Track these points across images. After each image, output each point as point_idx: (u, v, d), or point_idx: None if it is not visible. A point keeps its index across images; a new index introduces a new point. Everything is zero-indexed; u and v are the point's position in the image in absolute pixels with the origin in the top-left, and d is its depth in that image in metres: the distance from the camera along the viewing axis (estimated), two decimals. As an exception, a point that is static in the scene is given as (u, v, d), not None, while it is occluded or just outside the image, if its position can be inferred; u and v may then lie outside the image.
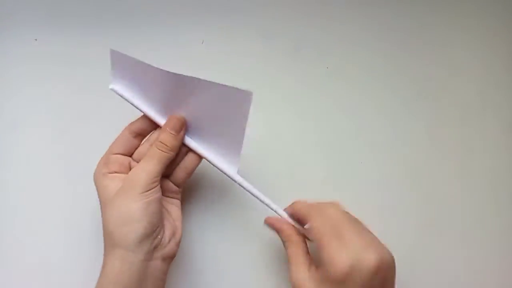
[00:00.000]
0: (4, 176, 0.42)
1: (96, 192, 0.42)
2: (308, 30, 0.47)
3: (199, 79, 0.32)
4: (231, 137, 0.35)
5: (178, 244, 0.35)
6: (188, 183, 0.41)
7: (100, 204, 0.34)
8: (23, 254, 0.40)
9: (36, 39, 0.45)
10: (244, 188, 0.36)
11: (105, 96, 0.44)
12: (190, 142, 0.36)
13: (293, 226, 0.36)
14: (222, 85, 0.32)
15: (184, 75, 0.32)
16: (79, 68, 0.44)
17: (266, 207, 0.36)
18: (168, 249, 0.34)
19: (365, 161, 0.45)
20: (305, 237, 0.35)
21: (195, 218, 0.42)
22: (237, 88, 0.32)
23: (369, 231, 0.33)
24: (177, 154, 0.35)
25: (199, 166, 0.37)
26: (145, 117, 0.36)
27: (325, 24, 0.48)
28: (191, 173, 0.36)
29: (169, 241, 0.34)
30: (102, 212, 0.33)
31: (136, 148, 0.36)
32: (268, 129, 0.45)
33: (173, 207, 0.36)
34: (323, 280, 0.30)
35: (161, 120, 0.35)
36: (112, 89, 0.36)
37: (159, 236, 0.33)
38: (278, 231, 0.36)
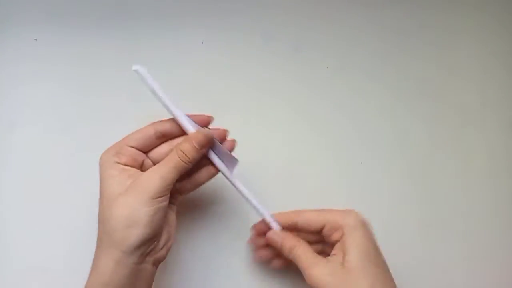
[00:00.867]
0: (4, 176, 0.42)
1: (96, 192, 0.42)
2: (309, 31, 0.47)
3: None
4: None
5: (169, 250, 0.34)
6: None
7: (103, 196, 0.32)
8: (23, 254, 0.40)
9: (36, 39, 0.45)
10: (242, 194, 0.36)
11: (105, 96, 0.44)
12: (214, 157, 0.35)
13: (289, 233, 0.35)
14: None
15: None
16: (78, 68, 0.44)
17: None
18: (159, 254, 0.33)
19: (365, 161, 0.45)
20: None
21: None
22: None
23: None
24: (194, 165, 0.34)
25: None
26: (173, 121, 0.34)
27: (325, 24, 0.48)
28: (199, 186, 0.36)
29: (163, 247, 0.33)
30: (102, 206, 0.32)
31: (154, 148, 0.35)
32: (267, 129, 0.45)
33: (171, 213, 0.35)
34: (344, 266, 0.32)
35: (186, 124, 0.34)
36: (135, 71, 0.33)
37: (156, 242, 0.32)
38: (280, 247, 0.35)
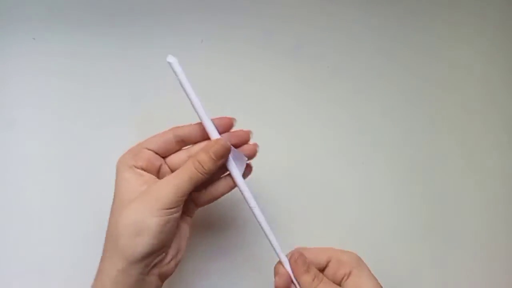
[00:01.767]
0: (3, 176, 0.42)
1: (96, 192, 0.42)
2: (309, 29, 0.47)
3: None
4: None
5: (177, 265, 0.33)
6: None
7: (115, 198, 0.32)
8: (23, 254, 0.40)
9: (34, 38, 0.45)
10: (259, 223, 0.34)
11: (105, 95, 0.44)
12: (232, 168, 0.33)
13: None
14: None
15: None
16: (78, 68, 0.44)
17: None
18: (167, 267, 0.32)
19: (366, 160, 0.45)
20: None
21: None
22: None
23: None
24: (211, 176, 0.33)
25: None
26: (196, 126, 0.33)
27: (325, 22, 0.48)
28: (216, 199, 0.34)
29: (171, 260, 0.32)
30: (113, 210, 0.31)
31: (173, 153, 0.34)
32: (267, 128, 0.45)
33: (185, 225, 0.34)
34: None
35: (210, 127, 0.33)
36: (170, 63, 0.33)
37: (163, 254, 0.31)
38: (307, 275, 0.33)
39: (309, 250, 0.34)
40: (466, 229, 0.44)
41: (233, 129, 0.34)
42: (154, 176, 0.33)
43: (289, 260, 0.33)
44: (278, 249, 0.34)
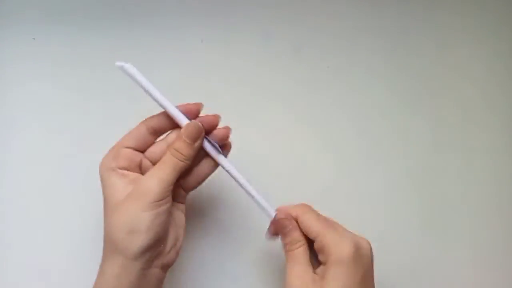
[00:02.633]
0: (3, 176, 0.42)
1: (96, 192, 0.42)
2: (309, 30, 0.47)
3: None
4: None
5: (178, 253, 0.34)
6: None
7: (104, 203, 0.32)
8: (23, 254, 0.40)
9: (34, 38, 0.45)
10: (239, 183, 0.34)
11: (104, 95, 0.44)
12: (209, 149, 0.34)
13: (297, 226, 0.34)
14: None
15: None
16: (77, 67, 0.44)
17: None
18: (168, 257, 0.33)
19: (366, 161, 0.45)
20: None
21: (193, 222, 0.41)
22: None
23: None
24: (192, 160, 0.33)
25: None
26: (165, 114, 0.33)
27: (325, 23, 0.48)
28: (203, 180, 0.35)
29: (170, 250, 0.33)
30: (105, 213, 0.32)
31: (150, 145, 0.34)
32: (268, 129, 0.45)
33: (179, 212, 0.35)
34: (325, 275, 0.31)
35: (177, 115, 0.33)
36: (120, 67, 0.32)
37: (162, 246, 0.32)
38: (285, 234, 0.34)
39: (306, 216, 0.34)
40: (466, 229, 0.44)
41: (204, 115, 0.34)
42: (137, 174, 0.33)
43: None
44: (265, 204, 0.34)
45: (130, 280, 0.30)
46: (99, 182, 0.41)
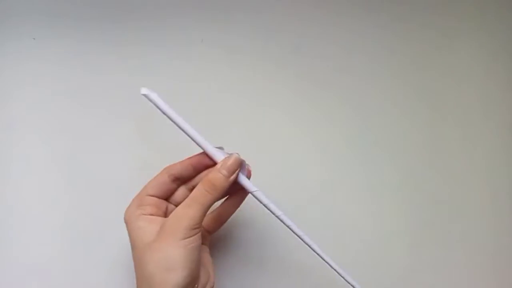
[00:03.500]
0: (3, 176, 0.42)
1: (96, 191, 0.42)
2: (309, 30, 0.47)
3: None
4: None
5: None
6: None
7: (135, 247, 0.32)
8: (22, 254, 0.40)
9: (34, 38, 0.45)
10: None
11: (104, 95, 0.44)
12: (244, 181, 0.34)
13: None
14: None
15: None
16: (78, 68, 0.44)
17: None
18: None
19: (365, 162, 0.45)
20: None
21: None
22: None
23: None
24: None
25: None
26: (186, 162, 0.34)
27: (326, 23, 0.48)
28: (225, 221, 0.35)
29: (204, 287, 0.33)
30: (138, 255, 0.31)
31: (173, 192, 0.34)
32: (267, 129, 0.45)
33: (205, 254, 0.35)
34: None
35: (210, 149, 0.33)
36: (145, 95, 0.31)
37: (196, 285, 0.32)
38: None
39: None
40: (466, 229, 0.44)
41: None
42: (164, 218, 0.33)
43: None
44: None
45: None
46: (99, 181, 0.42)
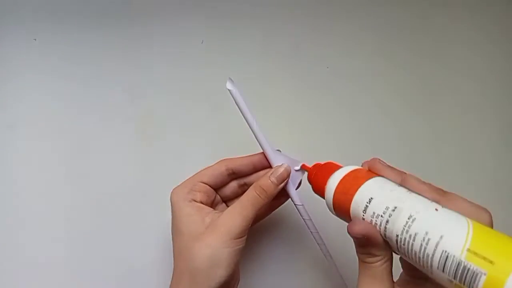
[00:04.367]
0: (4, 176, 0.42)
1: (96, 191, 0.42)
2: (308, 30, 0.47)
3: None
4: None
5: None
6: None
7: (180, 233, 0.33)
8: (22, 254, 0.40)
9: (35, 39, 0.45)
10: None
11: (105, 95, 0.44)
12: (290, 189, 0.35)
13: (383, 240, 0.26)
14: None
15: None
16: (79, 68, 0.44)
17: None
18: None
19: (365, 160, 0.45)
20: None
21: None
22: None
23: None
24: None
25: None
26: (248, 159, 0.35)
27: (325, 23, 0.48)
28: (259, 221, 0.37)
29: (233, 286, 0.34)
30: (184, 244, 0.32)
31: (225, 185, 0.36)
32: (267, 129, 0.45)
33: None
34: None
35: (270, 153, 0.35)
36: (229, 90, 0.34)
37: (232, 282, 0.33)
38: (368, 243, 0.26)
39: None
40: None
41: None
42: (211, 209, 0.34)
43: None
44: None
45: None
46: (99, 181, 0.42)
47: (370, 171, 0.30)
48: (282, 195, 0.35)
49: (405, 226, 0.24)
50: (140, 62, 0.45)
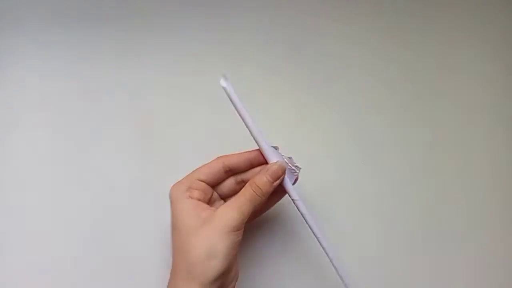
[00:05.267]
0: (4, 176, 0.42)
1: (96, 191, 0.42)
2: (308, 31, 0.47)
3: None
4: None
5: (235, 285, 0.35)
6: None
7: (177, 228, 0.33)
8: (22, 254, 0.40)
9: (35, 39, 0.45)
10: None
11: (105, 96, 0.44)
12: (287, 185, 0.35)
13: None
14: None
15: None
16: (78, 69, 0.44)
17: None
18: None
19: (366, 161, 0.45)
20: None
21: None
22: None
23: None
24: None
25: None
26: (245, 156, 0.35)
27: (325, 25, 0.48)
28: (258, 216, 0.37)
29: (231, 281, 0.34)
30: (181, 239, 0.33)
31: (222, 182, 0.36)
32: (267, 130, 0.45)
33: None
34: None
35: (266, 149, 0.35)
36: (223, 88, 0.34)
37: (229, 275, 0.33)
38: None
39: None
40: (466, 229, 0.44)
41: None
42: (208, 205, 0.34)
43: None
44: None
45: None
46: (99, 181, 0.42)
47: None
48: (279, 190, 0.35)
49: None
50: (140, 62, 0.45)
